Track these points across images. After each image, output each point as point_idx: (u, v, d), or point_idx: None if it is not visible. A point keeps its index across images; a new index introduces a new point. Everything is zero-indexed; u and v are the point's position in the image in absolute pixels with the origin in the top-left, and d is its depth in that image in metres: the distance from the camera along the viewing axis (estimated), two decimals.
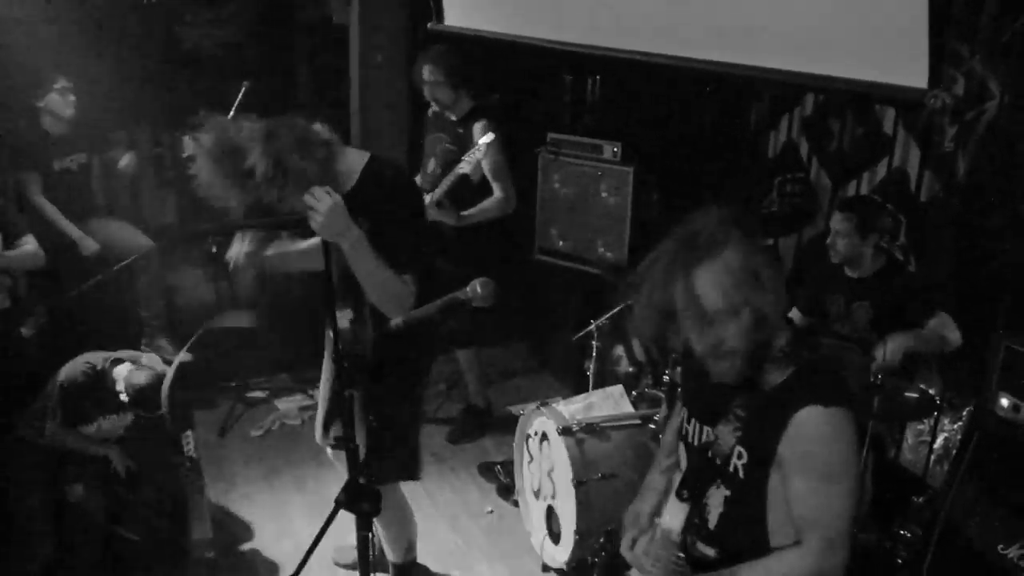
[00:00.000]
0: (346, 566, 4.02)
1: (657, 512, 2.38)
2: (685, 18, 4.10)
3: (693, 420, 2.30)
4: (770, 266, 2.01)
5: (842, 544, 2.06)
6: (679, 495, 2.20)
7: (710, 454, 2.19)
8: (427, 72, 4.79)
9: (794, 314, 4.39)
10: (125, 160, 5.51)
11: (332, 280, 2.47)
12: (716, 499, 2.20)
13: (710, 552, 2.22)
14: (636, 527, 2.44)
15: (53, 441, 3.94)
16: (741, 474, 2.13)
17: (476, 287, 2.49)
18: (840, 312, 4.14)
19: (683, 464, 2.35)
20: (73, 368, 3.96)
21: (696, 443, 2.28)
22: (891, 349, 3.71)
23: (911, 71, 3.01)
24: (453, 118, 4.89)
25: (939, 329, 3.87)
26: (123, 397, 3.90)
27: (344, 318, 3.13)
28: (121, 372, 3.94)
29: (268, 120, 2.83)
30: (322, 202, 2.68)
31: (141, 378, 3.90)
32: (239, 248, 3.29)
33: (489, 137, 4.45)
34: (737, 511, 2.17)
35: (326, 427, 3.53)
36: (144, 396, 3.89)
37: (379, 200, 2.97)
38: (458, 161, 4.57)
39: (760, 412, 2.08)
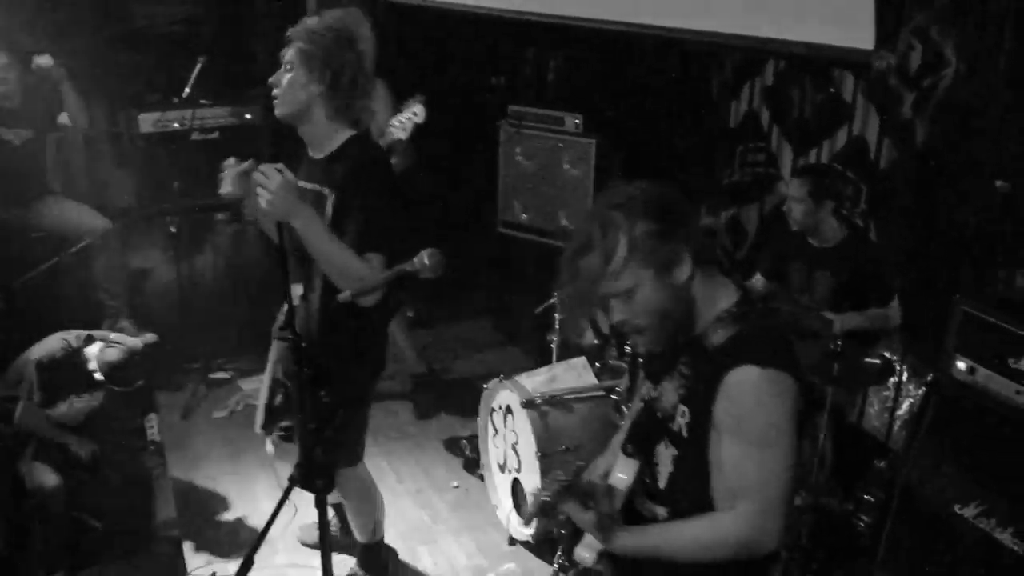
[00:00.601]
0: (311, 545, 4.01)
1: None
2: None
3: (646, 378, 2.30)
4: (655, 243, 2.00)
5: (776, 512, 2.00)
6: (624, 450, 2.20)
7: (656, 411, 2.19)
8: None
9: (757, 280, 4.41)
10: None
11: (285, 256, 2.44)
12: (665, 458, 2.19)
13: (661, 511, 2.21)
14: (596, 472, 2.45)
15: (20, 425, 3.89)
16: (685, 433, 2.11)
17: (424, 258, 2.46)
18: (802, 281, 4.17)
19: (632, 419, 2.36)
20: (49, 346, 3.93)
21: (646, 398, 2.28)
22: (837, 326, 3.77)
23: (859, 33, 3.02)
24: None
25: (882, 315, 3.96)
26: (97, 376, 3.88)
27: (295, 294, 3.10)
28: (92, 351, 3.93)
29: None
30: (272, 179, 2.67)
31: (114, 355, 3.92)
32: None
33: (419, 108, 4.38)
34: (685, 471, 2.15)
35: (272, 414, 3.42)
36: (118, 372, 3.90)
37: (352, 172, 2.95)
38: None
39: (702, 371, 2.07)
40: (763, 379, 1.96)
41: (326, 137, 3.05)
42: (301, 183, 2.96)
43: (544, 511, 2.24)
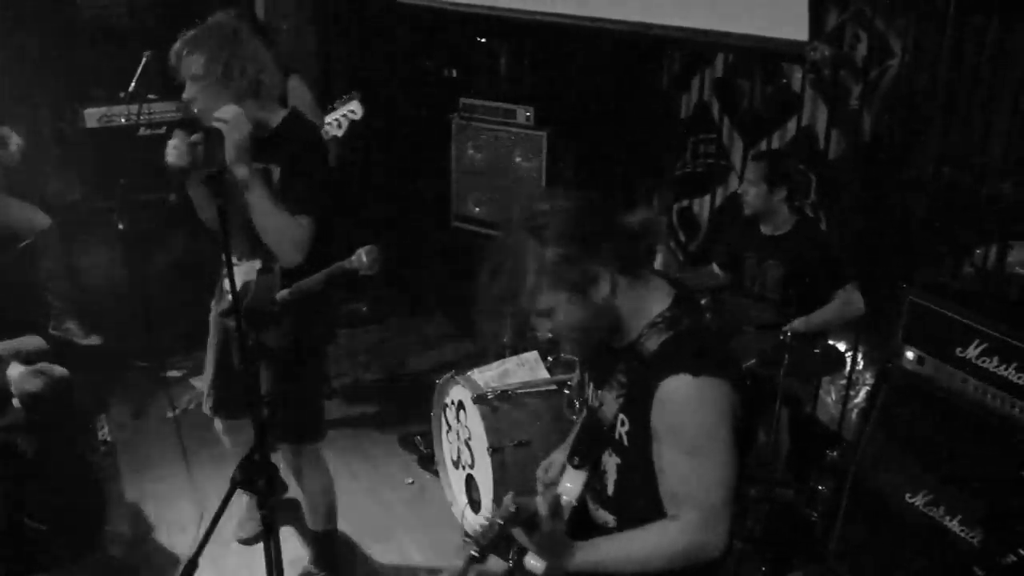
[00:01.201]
0: (249, 540, 3.99)
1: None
2: None
3: (591, 384, 2.29)
4: (565, 266, 1.98)
5: (717, 518, 1.99)
6: (570, 461, 2.19)
7: (599, 420, 2.18)
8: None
9: (714, 270, 4.42)
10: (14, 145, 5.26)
11: (228, 235, 2.43)
12: (611, 466, 2.18)
13: (610, 519, 2.21)
14: (546, 479, 2.44)
15: None
16: (626, 442, 2.10)
17: (361, 255, 2.44)
18: (753, 270, 4.18)
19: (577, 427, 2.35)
20: None
21: (592, 405, 2.27)
22: (796, 328, 3.78)
23: (794, 25, 3.05)
24: None
25: (844, 304, 3.97)
26: (15, 403, 3.73)
27: (251, 269, 3.16)
28: (13, 375, 3.72)
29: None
30: (227, 112, 2.86)
31: (35, 385, 3.71)
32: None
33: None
34: (629, 479, 2.14)
35: (221, 398, 3.55)
36: (39, 404, 3.72)
37: (292, 144, 3.12)
38: None
39: (637, 380, 2.06)
40: (695, 387, 1.95)
41: (262, 122, 3.12)
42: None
43: (493, 545, 2.21)
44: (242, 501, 4.02)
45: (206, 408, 3.67)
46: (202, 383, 5.22)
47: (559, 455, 2.52)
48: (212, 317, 3.58)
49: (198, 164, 3.07)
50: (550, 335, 2.08)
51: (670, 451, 1.99)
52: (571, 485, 2.19)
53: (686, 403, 1.95)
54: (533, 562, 2.15)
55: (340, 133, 4.26)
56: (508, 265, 1.99)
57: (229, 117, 2.87)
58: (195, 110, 3.07)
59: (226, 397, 3.57)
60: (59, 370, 3.87)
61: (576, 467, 2.19)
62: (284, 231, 3.03)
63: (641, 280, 2.07)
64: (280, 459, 3.83)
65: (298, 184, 3.08)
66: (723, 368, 2.00)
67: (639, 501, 2.12)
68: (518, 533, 2.12)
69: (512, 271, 1.99)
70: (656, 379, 1.97)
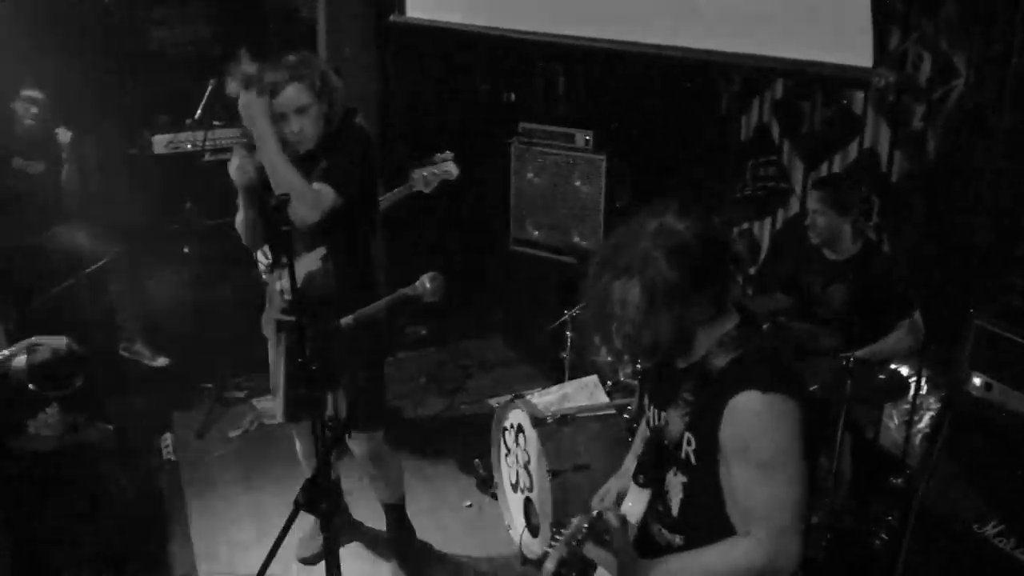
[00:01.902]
0: (310, 560, 4.00)
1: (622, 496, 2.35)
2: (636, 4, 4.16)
3: (652, 405, 2.29)
4: (686, 297, 2.01)
5: (791, 535, 1.99)
6: (635, 479, 2.19)
7: (664, 439, 2.17)
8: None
9: (778, 296, 4.37)
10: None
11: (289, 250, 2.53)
12: (675, 486, 2.18)
13: (676, 539, 2.19)
14: (601, 506, 2.43)
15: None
16: (693, 460, 2.10)
17: (425, 282, 2.47)
18: (817, 294, 4.13)
19: (641, 448, 2.34)
20: None
21: (653, 426, 2.27)
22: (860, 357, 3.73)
23: (857, 50, 3.02)
24: None
25: (908, 334, 3.89)
26: (31, 385, 3.88)
27: (314, 259, 3.37)
28: (21, 362, 3.85)
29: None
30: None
31: (39, 356, 3.87)
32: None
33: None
34: (695, 498, 2.14)
35: (293, 399, 3.67)
36: (48, 373, 3.89)
37: (344, 137, 3.36)
38: None
39: (705, 397, 2.06)
40: (766, 403, 1.96)
41: (327, 127, 3.36)
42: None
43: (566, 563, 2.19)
44: (306, 520, 4.06)
45: (280, 417, 3.77)
46: (266, 402, 5.35)
47: (614, 482, 2.52)
48: (268, 328, 3.72)
49: (260, 183, 3.26)
50: (624, 344, 2.08)
51: (740, 467, 2.00)
52: (633, 505, 2.18)
53: (756, 419, 1.96)
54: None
55: (427, 190, 4.31)
56: (633, 271, 2.02)
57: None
58: (295, 138, 3.26)
59: (298, 397, 3.66)
60: (56, 339, 3.94)
61: (641, 485, 2.18)
62: (292, 183, 3.16)
63: (719, 304, 2.09)
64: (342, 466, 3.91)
65: (331, 162, 3.28)
66: (791, 386, 2.01)
67: (706, 520, 2.12)
68: (589, 549, 2.10)
69: (636, 279, 2.01)
70: (726, 396, 1.99)
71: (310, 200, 3.20)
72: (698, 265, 2.01)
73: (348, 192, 3.30)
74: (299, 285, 3.17)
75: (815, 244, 4.08)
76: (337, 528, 2.32)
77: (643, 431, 2.54)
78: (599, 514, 2.08)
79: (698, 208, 2.13)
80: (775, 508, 1.98)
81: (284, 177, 3.17)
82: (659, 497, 2.21)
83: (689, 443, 2.10)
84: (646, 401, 2.34)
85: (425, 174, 4.31)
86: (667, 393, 2.18)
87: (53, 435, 4.11)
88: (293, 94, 3.19)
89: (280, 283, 3.50)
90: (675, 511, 2.19)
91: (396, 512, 4.04)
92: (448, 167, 4.28)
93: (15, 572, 3.78)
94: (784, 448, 1.97)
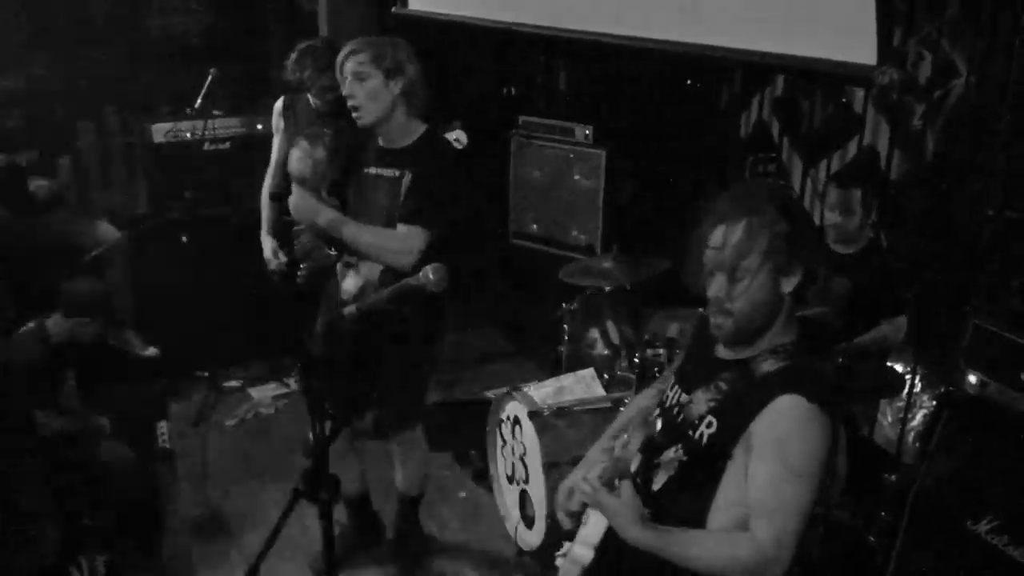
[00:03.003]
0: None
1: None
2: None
3: (676, 387, 2.30)
4: (788, 249, 2.07)
5: (790, 541, 2.01)
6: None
7: (679, 415, 2.18)
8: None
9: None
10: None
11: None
12: (670, 463, 2.18)
13: (645, 512, 2.19)
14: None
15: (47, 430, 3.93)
16: (704, 441, 2.12)
17: (428, 273, 2.47)
18: (819, 285, 4.11)
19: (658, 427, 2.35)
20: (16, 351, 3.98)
21: (669, 405, 2.29)
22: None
23: (861, 48, 3.03)
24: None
25: (893, 332, 3.92)
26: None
27: (373, 269, 3.41)
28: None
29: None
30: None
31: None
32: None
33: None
34: (687, 479, 2.15)
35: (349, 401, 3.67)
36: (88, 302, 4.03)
37: (432, 158, 3.35)
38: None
39: (743, 390, 2.10)
40: (809, 412, 2.00)
41: (404, 132, 3.39)
42: (375, 170, 3.40)
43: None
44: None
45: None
46: (261, 391, 5.36)
47: (596, 454, 2.53)
48: (322, 330, 3.70)
49: (315, 176, 3.34)
50: (717, 299, 2.12)
51: (768, 463, 2.02)
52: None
53: (799, 423, 2.00)
54: (579, 549, 2.17)
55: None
56: (741, 215, 2.08)
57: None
58: (353, 107, 3.27)
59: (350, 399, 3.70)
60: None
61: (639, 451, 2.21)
62: (385, 246, 3.28)
63: (796, 304, 2.16)
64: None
65: (418, 196, 3.28)
66: (835, 410, 2.07)
67: (684, 503, 2.14)
68: (602, 495, 2.12)
69: (744, 223, 2.07)
70: (771, 394, 2.03)
71: (397, 248, 3.26)
72: (800, 227, 2.10)
73: (439, 225, 3.33)
74: (350, 297, 3.42)
75: (819, 235, 4.07)
76: (331, 516, 2.31)
77: (618, 426, 2.59)
78: (619, 462, 2.10)
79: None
80: (785, 511, 2.00)
81: (366, 244, 3.28)
82: (644, 469, 2.22)
83: (709, 425, 2.12)
84: (671, 383, 2.36)
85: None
86: (700, 377, 2.22)
87: (75, 405, 4.13)
88: (354, 61, 3.23)
89: (346, 282, 3.53)
90: (656, 486, 2.20)
91: (410, 506, 4.06)
92: (458, 134, 4.30)
93: (14, 551, 3.80)
94: (815, 459, 2.01)
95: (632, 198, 5.50)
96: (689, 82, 5.62)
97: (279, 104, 4.99)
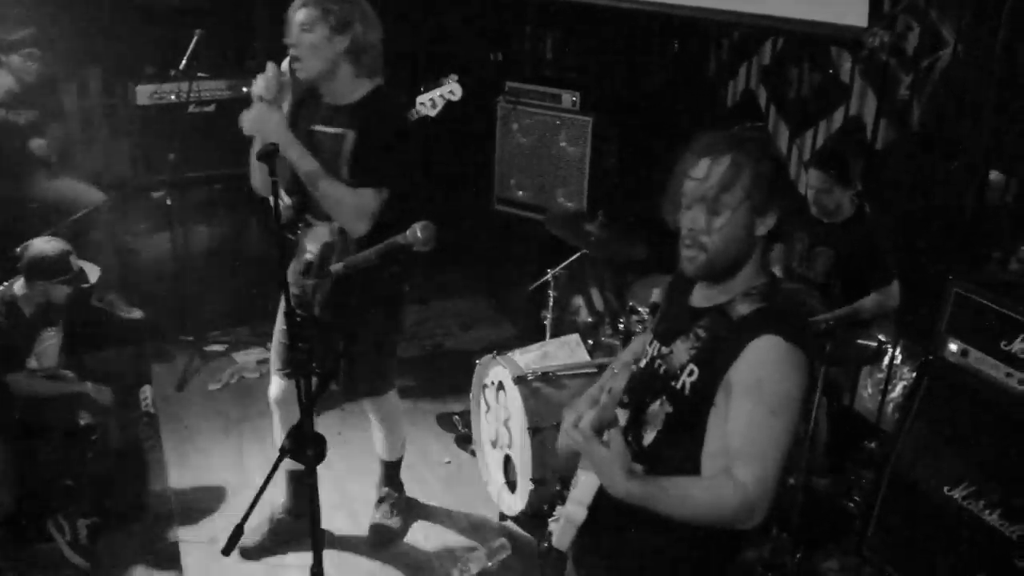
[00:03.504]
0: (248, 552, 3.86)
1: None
2: None
3: (655, 342, 2.31)
4: (768, 188, 2.07)
5: (770, 483, 2.00)
6: (621, 401, 2.20)
7: (661, 368, 2.20)
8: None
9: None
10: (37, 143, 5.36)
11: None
12: (657, 416, 2.19)
13: (638, 468, 2.19)
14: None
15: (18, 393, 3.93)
16: (687, 391, 2.12)
17: (416, 231, 2.47)
18: (803, 253, 4.14)
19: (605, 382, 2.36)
20: None
21: (650, 358, 2.29)
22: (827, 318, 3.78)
23: (852, 11, 3.04)
24: None
25: (883, 300, 3.95)
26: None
27: (332, 230, 3.32)
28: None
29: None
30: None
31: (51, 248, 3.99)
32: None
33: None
34: (676, 430, 2.16)
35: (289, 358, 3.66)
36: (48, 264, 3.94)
37: (377, 117, 3.22)
38: None
39: (721, 335, 2.10)
40: (786, 351, 2.01)
41: (350, 89, 3.27)
42: (320, 128, 3.28)
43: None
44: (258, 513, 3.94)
45: (274, 371, 3.77)
46: (245, 355, 5.35)
47: (584, 407, 2.54)
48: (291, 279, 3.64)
49: (278, 101, 3.22)
50: (693, 231, 2.11)
51: (745, 404, 2.02)
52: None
53: (776, 363, 2.01)
54: (572, 507, 2.18)
55: (433, 113, 4.29)
56: (726, 150, 2.08)
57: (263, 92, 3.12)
58: (294, 57, 3.18)
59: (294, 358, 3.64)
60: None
61: (624, 406, 2.21)
62: (341, 200, 3.17)
63: (767, 248, 2.16)
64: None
65: (369, 156, 3.20)
66: (809, 346, 2.07)
67: (677, 455, 2.14)
68: (594, 447, 2.12)
69: (729, 157, 2.07)
70: (747, 337, 2.03)
71: (352, 204, 3.18)
72: (781, 170, 2.12)
73: (392, 185, 3.25)
74: (314, 257, 3.34)
75: (810, 211, 4.09)
76: (315, 476, 2.32)
77: (616, 365, 2.59)
78: (605, 408, 2.10)
79: None
80: (768, 449, 2.01)
81: (323, 189, 3.16)
82: (634, 426, 2.23)
83: (691, 374, 2.12)
84: (649, 339, 2.36)
85: (432, 97, 4.30)
86: (677, 328, 2.22)
87: (53, 365, 4.13)
88: (303, 12, 3.15)
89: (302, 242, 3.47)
90: (647, 441, 2.21)
91: (391, 469, 4.09)
92: (452, 87, 4.27)
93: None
94: (792, 397, 2.02)
95: (618, 165, 5.50)
96: (677, 49, 5.61)
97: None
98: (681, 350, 2.16)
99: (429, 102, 4.32)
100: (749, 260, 2.14)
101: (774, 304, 2.11)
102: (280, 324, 3.66)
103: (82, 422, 3.98)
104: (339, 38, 3.15)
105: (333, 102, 3.30)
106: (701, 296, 2.21)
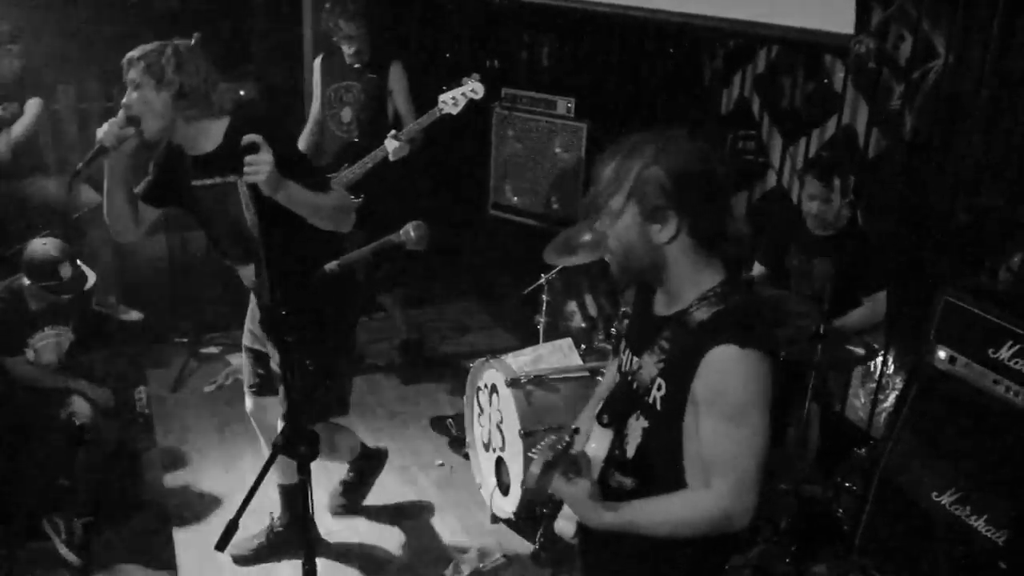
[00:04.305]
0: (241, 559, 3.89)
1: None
2: None
3: (627, 350, 2.33)
4: (660, 192, 2.02)
5: (748, 489, 2.03)
6: (599, 419, 2.21)
7: (634, 383, 2.22)
8: (347, 27, 4.77)
9: (757, 269, 4.40)
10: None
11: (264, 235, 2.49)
12: (635, 430, 2.21)
13: (627, 482, 2.22)
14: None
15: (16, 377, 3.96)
16: (659, 406, 2.13)
17: (409, 230, 2.50)
18: (801, 267, 4.17)
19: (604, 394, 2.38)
20: None
21: (625, 370, 2.31)
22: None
23: (839, 19, 3.08)
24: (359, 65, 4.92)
25: (874, 309, 3.99)
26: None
27: (249, 272, 3.35)
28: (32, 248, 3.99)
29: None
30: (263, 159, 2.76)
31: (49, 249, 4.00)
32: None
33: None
34: (654, 444, 2.17)
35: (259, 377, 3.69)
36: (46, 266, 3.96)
37: (270, 139, 2.85)
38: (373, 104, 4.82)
39: (682, 346, 2.09)
40: (742, 358, 1.99)
41: (204, 134, 3.12)
42: (198, 183, 3.16)
43: (544, 474, 2.20)
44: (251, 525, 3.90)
45: (245, 387, 3.81)
46: (239, 358, 5.36)
47: (586, 421, 2.55)
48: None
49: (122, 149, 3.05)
50: (602, 239, 2.13)
51: (710, 417, 2.03)
52: (596, 445, 2.21)
53: (732, 372, 2.00)
54: (562, 523, 2.20)
55: (455, 111, 4.32)
56: (619, 156, 2.07)
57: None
58: (128, 119, 3.00)
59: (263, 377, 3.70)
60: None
61: (604, 425, 2.22)
62: (332, 207, 3.08)
63: (704, 252, 2.10)
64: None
65: (303, 169, 3.06)
66: (767, 345, 2.04)
67: (660, 466, 2.16)
68: (557, 480, 2.14)
69: (618, 163, 2.06)
70: (703, 348, 2.01)
71: (336, 204, 3.11)
72: (677, 170, 2.02)
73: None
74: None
75: (797, 216, 4.12)
76: (309, 470, 2.33)
77: (607, 379, 2.60)
78: (569, 445, 2.12)
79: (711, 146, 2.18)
80: (738, 458, 2.02)
81: (329, 205, 3.06)
82: (618, 440, 2.25)
83: (659, 389, 2.13)
84: (623, 346, 2.38)
85: (454, 96, 4.33)
86: (645, 339, 2.21)
87: (52, 362, 4.15)
88: (132, 71, 3.02)
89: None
90: (630, 454, 2.23)
91: (353, 478, 4.16)
92: (475, 86, 4.29)
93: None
94: (753, 401, 2.01)
95: None
96: (672, 57, 5.65)
97: (317, 61, 5.15)
98: (649, 364, 2.15)
99: (451, 100, 4.36)
100: (670, 265, 2.10)
101: (731, 305, 2.08)
102: (246, 341, 3.69)
103: (77, 422, 3.98)
104: (164, 92, 2.99)
105: (195, 153, 3.16)
106: (662, 303, 2.20)
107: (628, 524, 2.12)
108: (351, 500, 4.18)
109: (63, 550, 3.77)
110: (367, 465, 4.13)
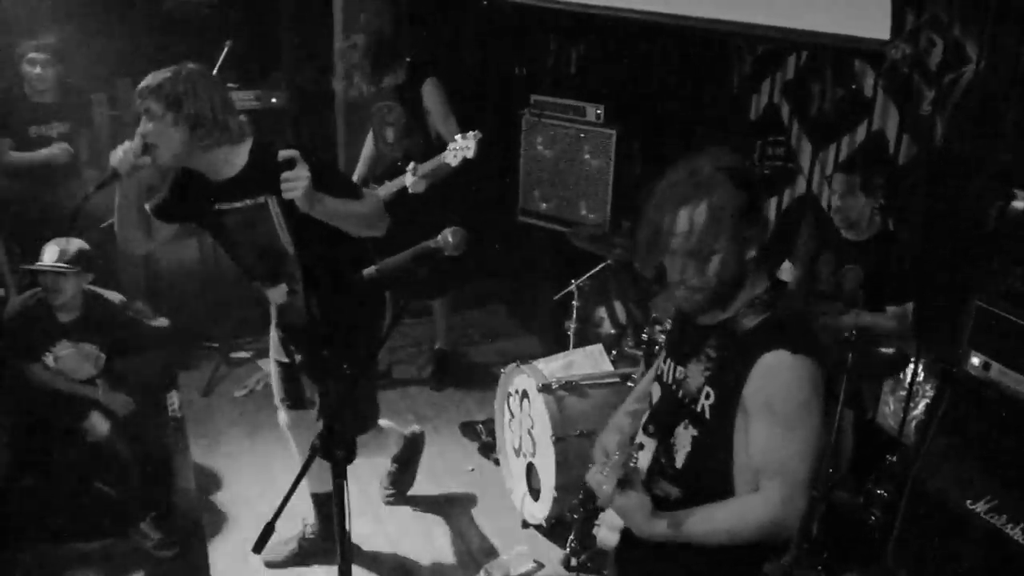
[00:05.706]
0: (278, 564, 3.92)
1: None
2: None
3: (669, 360, 2.33)
4: (749, 219, 2.06)
5: (799, 494, 2.05)
6: (645, 429, 2.22)
7: (679, 392, 2.22)
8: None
9: (786, 268, 4.39)
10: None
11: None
12: (684, 439, 2.22)
13: (674, 491, 2.24)
14: (604, 459, 2.47)
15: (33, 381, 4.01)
16: (708, 415, 2.15)
17: (447, 236, 2.50)
18: (831, 273, 4.15)
19: (654, 400, 2.39)
20: (14, 302, 4.15)
21: (668, 381, 2.32)
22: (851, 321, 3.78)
23: (875, 24, 3.07)
24: (398, 82, 4.92)
25: (899, 319, 3.94)
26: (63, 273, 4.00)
27: (281, 293, 3.35)
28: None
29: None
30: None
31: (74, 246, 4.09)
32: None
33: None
34: (704, 452, 2.18)
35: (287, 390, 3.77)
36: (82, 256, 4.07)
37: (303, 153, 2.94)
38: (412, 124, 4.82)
39: (730, 354, 2.12)
40: (795, 363, 2.02)
41: (224, 159, 3.08)
42: (227, 205, 3.14)
43: (619, 492, 2.20)
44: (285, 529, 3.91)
45: (276, 400, 3.85)
46: (268, 367, 5.39)
47: (609, 438, 2.55)
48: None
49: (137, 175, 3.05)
50: (683, 280, 2.12)
51: (762, 424, 2.05)
52: (641, 455, 2.22)
53: (784, 378, 2.02)
54: (605, 532, 2.21)
55: (454, 164, 4.36)
56: (701, 195, 2.06)
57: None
58: (149, 145, 2.97)
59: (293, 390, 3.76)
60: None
61: (650, 435, 2.23)
62: (366, 212, 3.16)
63: (759, 262, 2.15)
64: None
65: (334, 178, 3.12)
66: (817, 351, 2.07)
67: (709, 475, 2.17)
68: (614, 499, 2.15)
69: (704, 203, 2.05)
70: (755, 354, 2.05)
71: (372, 211, 3.20)
72: (757, 194, 2.10)
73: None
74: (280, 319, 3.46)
75: (828, 221, 4.11)
76: (345, 475, 2.35)
77: (640, 391, 2.61)
78: (628, 458, 2.12)
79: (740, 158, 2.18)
80: (790, 465, 2.04)
81: (346, 215, 3.09)
82: (664, 450, 2.26)
83: (707, 397, 2.15)
84: (663, 356, 2.39)
85: (455, 148, 4.36)
86: (688, 349, 2.23)
87: (76, 369, 4.19)
88: (146, 101, 2.96)
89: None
90: (679, 463, 2.24)
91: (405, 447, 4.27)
92: (467, 143, 4.32)
93: (22, 516, 3.88)
94: (807, 407, 2.04)
95: (641, 178, 5.52)
96: (700, 63, 5.64)
97: None
98: (695, 372, 2.17)
99: (452, 153, 4.37)
100: (747, 278, 2.15)
101: (778, 312, 2.12)
102: (274, 355, 3.74)
103: (90, 439, 4.02)
104: (182, 124, 2.94)
105: (219, 179, 3.12)
106: (707, 313, 2.21)
107: (678, 534, 2.13)
108: (400, 488, 4.31)
109: (159, 554, 3.93)
110: (409, 452, 4.24)
